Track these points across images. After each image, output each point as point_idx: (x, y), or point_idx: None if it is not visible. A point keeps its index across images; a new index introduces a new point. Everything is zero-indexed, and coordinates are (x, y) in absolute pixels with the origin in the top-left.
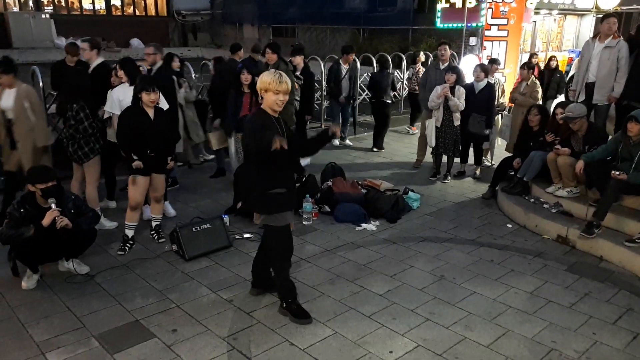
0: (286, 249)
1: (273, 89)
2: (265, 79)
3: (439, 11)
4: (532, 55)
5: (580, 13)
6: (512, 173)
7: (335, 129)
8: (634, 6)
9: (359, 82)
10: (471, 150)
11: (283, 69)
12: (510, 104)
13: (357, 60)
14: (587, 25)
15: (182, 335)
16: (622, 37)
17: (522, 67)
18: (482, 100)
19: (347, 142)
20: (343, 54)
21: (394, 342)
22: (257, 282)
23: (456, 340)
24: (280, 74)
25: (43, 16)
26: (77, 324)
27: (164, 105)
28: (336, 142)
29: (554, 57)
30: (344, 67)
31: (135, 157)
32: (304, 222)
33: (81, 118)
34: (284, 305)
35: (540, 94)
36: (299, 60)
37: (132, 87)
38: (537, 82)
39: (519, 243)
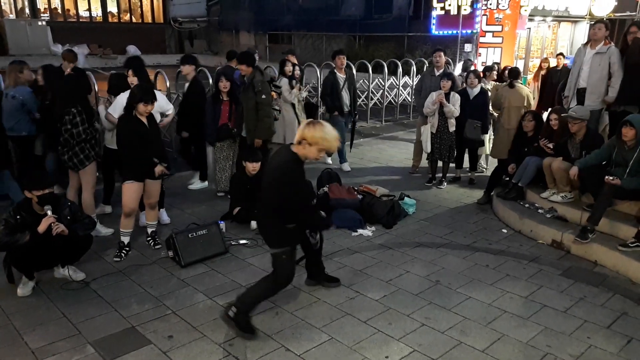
0: (289, 276)
1: (325, 146)
2: (318, 135)
3: (434, 18)
4: (543, 60)
5: (574, 20)
6: (507, 178)
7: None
8: (627, 13)
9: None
10: (466, 155)
11: (259, 80)
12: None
13: (353, 66)
14: (581, 31)
15: (178, 342)
16: (612, 43)
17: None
18: (476, 106)
19: (346, 167)
20: (333, 59)
21: (390, 347)
22: (312, 275)
23: (452, 345)
24: (332, 131)
25: (39, 23)
26: (73, 331)
27: (169, 109)
28: (346, 167)
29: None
30: (341, 77)
31: (156, 161)
32: None
33: (77, 122)
34: (233, 315)
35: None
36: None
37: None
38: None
39: (514, 248)
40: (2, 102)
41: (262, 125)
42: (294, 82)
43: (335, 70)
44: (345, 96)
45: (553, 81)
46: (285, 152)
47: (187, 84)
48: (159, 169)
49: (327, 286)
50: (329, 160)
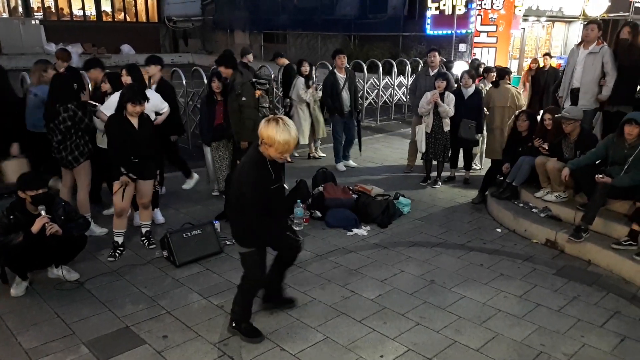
0: (258, 275)
1: (279, 149)
2: (272, 135)
3: (428, 18)
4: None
5: (568, 20)
6: (502, 178)
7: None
8: (620, 13)
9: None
10: (461, 155)
11: (239, 82)
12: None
13: (394, 64)
14: (575, 32)
15: (172, 342)
16: (605, 43)
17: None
18: (471, 106)
19: (352, 163)
20: (333, 58)
21: (385, 347)
22: (269, 296)
23: (446, 344)
24: (289, 129)
25: (33, 22)
26: (67, 331)
27: (164, 107)
28: (341, 167)
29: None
30: (341, 77)
31: (123, 171)
32: (295, 228)
33: (80, 117)
34: (235, 325)
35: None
36: (282, 61)
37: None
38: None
39: (509, 247)
40: (27, 99)
41: (245, 127)
42: (310, 82)
43: (335, 70)
44: (346, 96)
45: (541, 82)
46: (252, 150)
47: (154, 86)
48: (123, 179)
49: (283, 308)
50: (341, 167)
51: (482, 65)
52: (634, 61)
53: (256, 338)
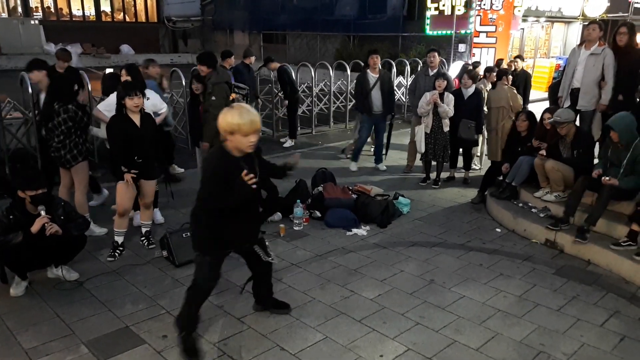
0: (207, 282)
1: (244, 131)
2: (232, 120)
3: (428, 18)
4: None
5: (568, 20)
6: (501, 178)
7: (296, 159)
8: (620, 14)
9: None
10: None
11: (212, 81)
12: None
13: (347, 66)
14: (574, 32)
15: (172, 341)
16: (607, 45)
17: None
18: (471, 106)
19: (381, 166)
20: (367, 58)
21: (385, 346)
22: (259, 299)
23: (446, 343)
24: (248, 109)
25: (32, 22)
26: (66, 331)
27: (163, 108)
28: (353, 167)
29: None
30: (373, 77)
31: (124, 170)
32: (294, 228)
33: (81, 117)
34: (178, 336)
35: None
36: (273, 65)
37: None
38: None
39: (508, 247)
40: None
41: (209, 127)
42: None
43: (368, 70)
44: (376, 97)
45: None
46: (215, 147)
47: (42, 95)
48: (127, 176)
49: (276, 312)
50: (354, 167)
51: (470, 67)
52: (632, 63)
53: (191, 358)
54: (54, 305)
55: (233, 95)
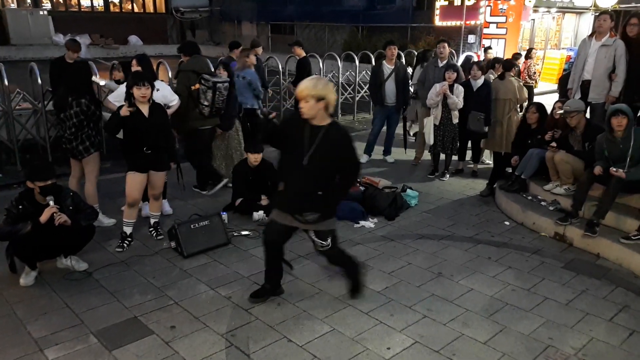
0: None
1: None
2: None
3: (437, 9)
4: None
5: (579, 11)
6: (510, 171)
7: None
8: (633, 4)
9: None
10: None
11: (181, 68)
12: None
13: (356, 57)
14: (586, 23)
15: (180, 332)
16: (618, 36)
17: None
18: (480, 98)
19: (389, 158)
20: (384, 49)
21: (392, 339)
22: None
23: (453, 336)
24: (307, 80)
25: (41, 13)
26: (76, 321)
27: (174, 100)
28: (364, 158)
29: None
30: (388, 67)
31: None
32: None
33: (93, 111)
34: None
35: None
36: (298, 51)
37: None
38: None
39: (517, 240)
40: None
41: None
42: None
43: (384, 61)
44: (390, 88)
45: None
46: (334, 123)
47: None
48: (124, 110)
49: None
50: (364, 159)
51: (474, 59)
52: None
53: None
54: (64, 295)
55: (197, 86)
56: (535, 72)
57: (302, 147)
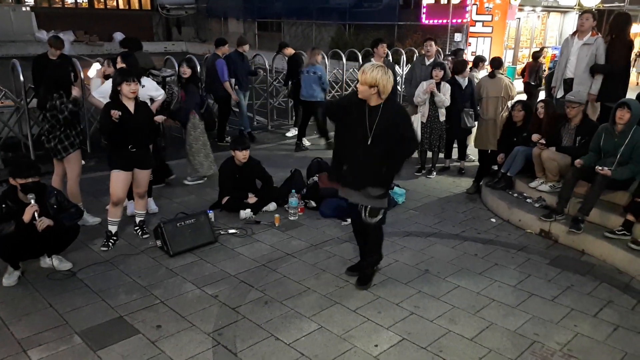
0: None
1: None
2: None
3: (424, 7)
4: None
5: (564, 10)
6: (496, 168)
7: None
8: (616, 4)
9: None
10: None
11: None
12: None
13: (343, 55)
14: (570, 22)
15: (166, 331)
16: (600, 35)
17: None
18: (468, 95)
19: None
20: (374, 48)
21: (379, 336)
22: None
23: (440, 333)
24: (365, 67)
25: (23, 9)
26: (60, 321)
27: (159, 94)
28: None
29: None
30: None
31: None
32: (289, 218)
33: (62, 108)
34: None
35: None
36: (288, 51)
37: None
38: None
39: (503, 237)
40: (302, 77)
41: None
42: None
43: (373, 59)
44: None
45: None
46: (392, 99)
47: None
48: (115, 113)
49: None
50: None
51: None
52: (621, 55)
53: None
54: (47, 295)
55: None
56: (545, 71)
57: (364, 127)
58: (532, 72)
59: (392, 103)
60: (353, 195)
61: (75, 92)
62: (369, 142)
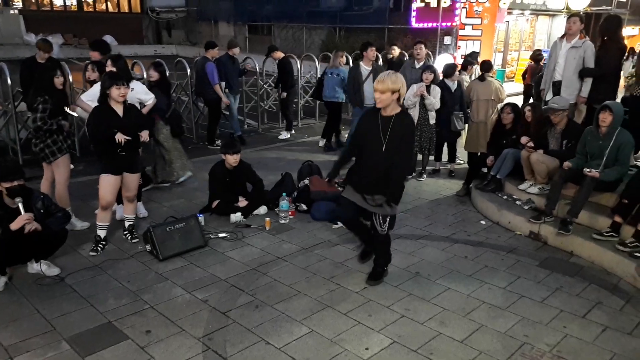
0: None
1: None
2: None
3: (414, 10)
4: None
5: (552, 13)
6: (486, 171)
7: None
8: (603, 7)
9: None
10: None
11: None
12: None
13: (379, 57)
14: (559, 25)
15: (156, 337)
16: (587, 38)
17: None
18: (457, 98)
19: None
20: (364, 51)
21: (370, 339)
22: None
23: (431, 336)
24: (387, 73)
25: (12, 12)
26: (47, 327)
27: (149, 98)
28: None
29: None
30: (366, 69)
31: (116, 130)
32: (280, 221)
33: (45, 109)
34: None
35: None
36: (277, 55)
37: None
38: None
39: (493, 239)
40: (325, 78)
41: None
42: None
43: (361, 62)
44: (368, 89)
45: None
46: (404, 113)
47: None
48: (119, 136)
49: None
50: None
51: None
52: (613, 58)
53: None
54: (35, 301)
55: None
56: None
57: (379, 136)
58: (534, 75)
59: (404, 114)
60: (358, 198)
61: (72, 110)
62: (384, 151)
